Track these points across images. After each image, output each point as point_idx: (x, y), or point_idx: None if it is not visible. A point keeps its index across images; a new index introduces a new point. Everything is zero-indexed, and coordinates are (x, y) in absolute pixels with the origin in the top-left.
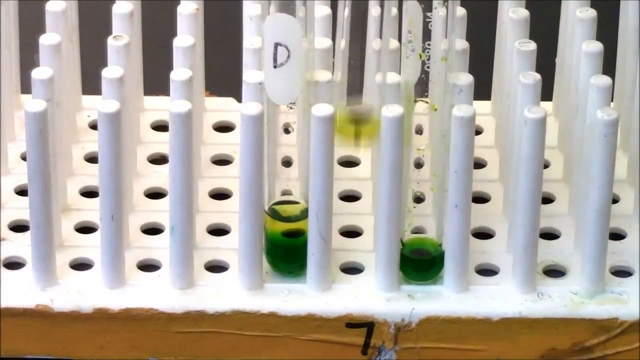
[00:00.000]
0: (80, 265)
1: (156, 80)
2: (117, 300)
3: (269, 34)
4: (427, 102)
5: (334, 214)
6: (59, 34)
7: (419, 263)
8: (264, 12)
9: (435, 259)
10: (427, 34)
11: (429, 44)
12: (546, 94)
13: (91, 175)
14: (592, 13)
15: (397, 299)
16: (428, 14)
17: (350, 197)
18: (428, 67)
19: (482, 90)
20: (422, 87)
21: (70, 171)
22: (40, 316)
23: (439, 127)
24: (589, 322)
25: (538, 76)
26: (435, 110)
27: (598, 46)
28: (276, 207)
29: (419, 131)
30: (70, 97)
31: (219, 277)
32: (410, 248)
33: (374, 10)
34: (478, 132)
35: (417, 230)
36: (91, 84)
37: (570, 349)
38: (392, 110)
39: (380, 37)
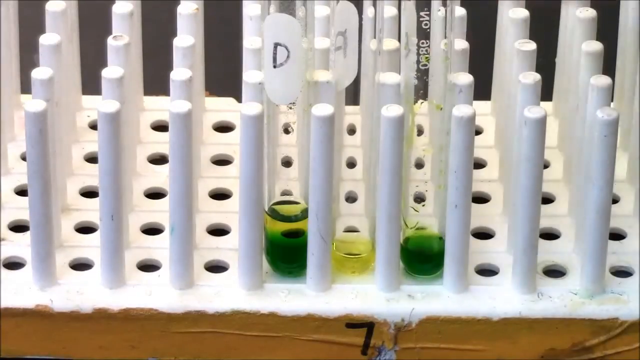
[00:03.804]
0: (80, 265)
1: (156, 80)
2: (117, 300)
3: (268, 34)
4: (432, 102)
5: (340, 215)
6: (59, 34)
7: (422, 257)
8: (263, 12)
9: (439, 254)
10: (421, 33)
11: (422, 43)
12: (546, 94)
13: (91, 175)
14: (592, 13)
15: (397, 299)
16: (422, 13)
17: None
18: (424, 66)
19: (482, 90)
20: (420, 87)
21: (70, 171)
22: (40, 316)
23: (445, 125)
24: (589, 322)
25: (538, 76)
26: (441, 109)
27: (598, 46)
28: (276, 207)
29: (420, 132)
30: (70, 97)
31: (218, 277)
32: (414, 244)
33: (369, 11)
34: (478, 132)
35: (419, 227)
36: (91, 84)
37: (570, 349)
38: (391, 110)
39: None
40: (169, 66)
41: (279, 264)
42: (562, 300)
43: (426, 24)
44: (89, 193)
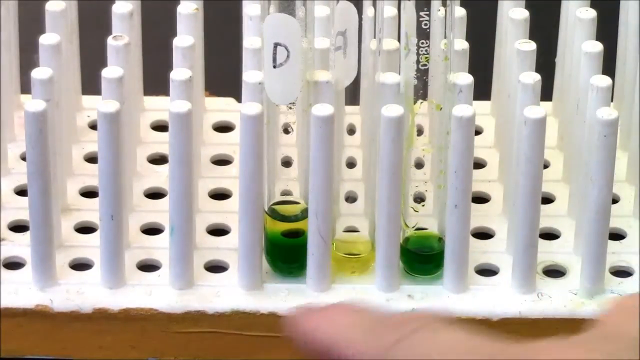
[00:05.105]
0: (80, 265)
1: (156, 80)
2: (117, 300)
3: (268, 34)
4: (432, 102)
5: (340, 215)
6: (58, 34)
7: (422, 257)
8: (263, 12)
9: (439, 254)
10: (421, 33)
11: (422, 43)
12: (546, 94)
13: (91, 175)
14: (592, 13)
15: (397, 299)
16: (422, 13)
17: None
18: (423, 66)
19: (482, 90)
20: (420, 87)
21: (70, 171)
22: (40, 316)
23: (445, 125)
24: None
25: (538, 76)
26: (441, 109)
27: (598, 46)
28: (276, 207)
29: (420, 132)
30: (70, 97)
31: (218, 277)
32: (414, 244)
33: (369, 11)
34: (478, 132)
35: (419, 227)
36: (91, 84)
37: None
38: (391, 110)
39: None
40: (169, 66)
41: (279, 264)
42: (562, 300)
43: (426, 24)
44: (89, 193)
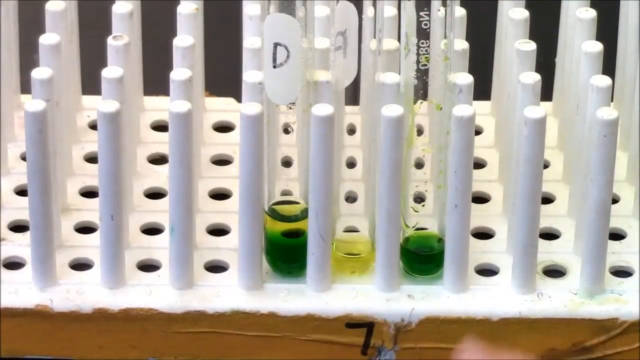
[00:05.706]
0: (80, 265)
1: (156, 80)
2: (116, 300)
3: (268, 34)
4: (432, 102)
5: (340, 215)
6: (58, 34)
7: (422, 257)
8: (263, 12)
9: (439, 254)
10: (421, 33)
11: (422, 43)
12: (546, 94)
13: (91, 175)
14: (592, 13)
15: (397, 299)
16: (422, 13)
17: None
18: (423, 66)
19: (482, 90)
20: (420, 87)
21: (70, 171)
22: (40, 316)
23: (445, 125)
24: (588, 322)
25: (538, 76)
26: (441, 109)
27: (598, 46)
28: (276, 207)
29: (420, 132)
30: (70, 97)
31: (218, 277)
32: (414, 244)
33: (369, 11)
34: (478, 132)
35: (419, 227)
36: (91, 84)
37: (570, 349)
38: (391, 110)
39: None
40: (169, 66)
41: (279, 264)
42: (562, 300)
43: (426, 24)
44: (89, 193)
